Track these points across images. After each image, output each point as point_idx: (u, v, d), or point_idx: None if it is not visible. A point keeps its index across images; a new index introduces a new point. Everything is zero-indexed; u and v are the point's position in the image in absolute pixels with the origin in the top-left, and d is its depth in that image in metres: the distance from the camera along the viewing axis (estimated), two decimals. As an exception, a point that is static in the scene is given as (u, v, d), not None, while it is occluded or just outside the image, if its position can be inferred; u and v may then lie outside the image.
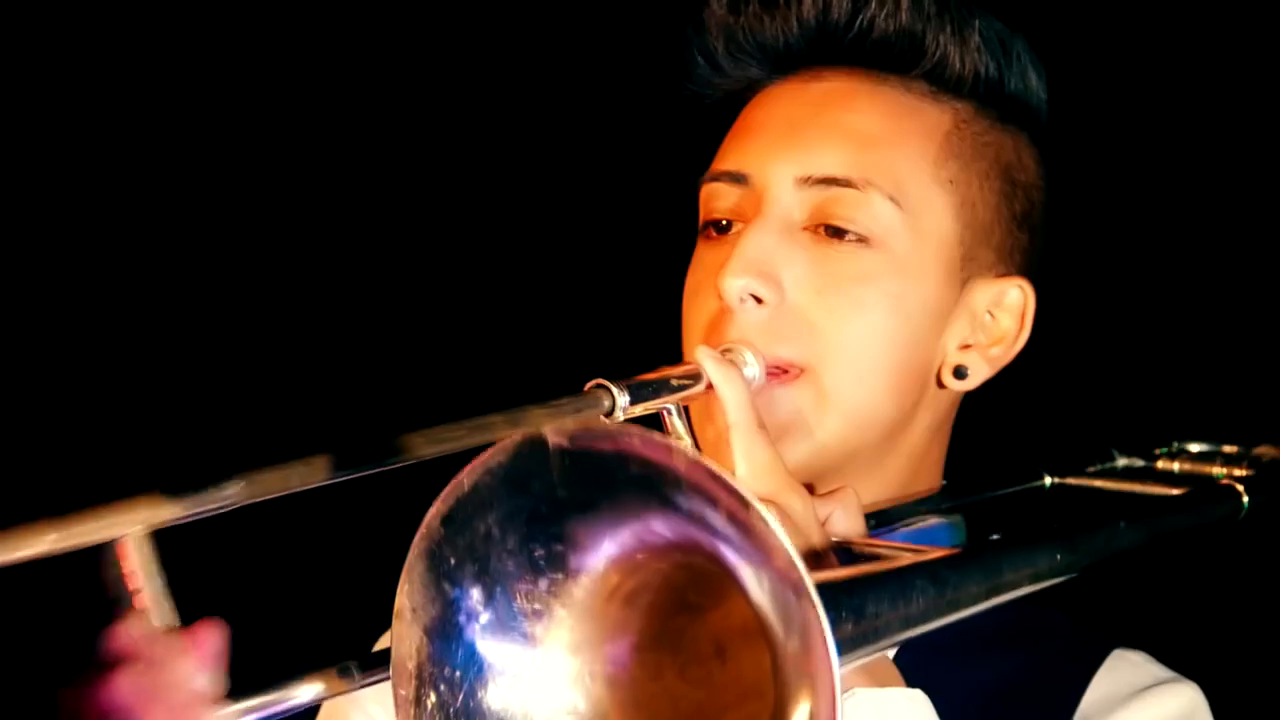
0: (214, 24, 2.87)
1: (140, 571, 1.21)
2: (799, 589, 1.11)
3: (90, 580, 1.24)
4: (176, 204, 2.91)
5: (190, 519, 1.25)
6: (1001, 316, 1.68)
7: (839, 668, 1.11)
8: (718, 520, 1.14)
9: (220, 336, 2.92)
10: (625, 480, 1.18)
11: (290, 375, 2.90)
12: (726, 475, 1.13)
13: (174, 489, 1.24)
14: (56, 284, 2.86)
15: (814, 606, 1.10)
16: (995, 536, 1.53)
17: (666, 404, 1.50)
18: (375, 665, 1.29)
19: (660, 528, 1.21)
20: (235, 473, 1.27)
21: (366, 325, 2.94)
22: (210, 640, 1.23)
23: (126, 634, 1.21)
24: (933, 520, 1.71)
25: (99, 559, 1.22)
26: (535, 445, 1.21)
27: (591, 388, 1.45)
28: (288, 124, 2.92)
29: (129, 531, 1.21)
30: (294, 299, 2.93)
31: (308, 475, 1.30)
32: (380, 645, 1.62)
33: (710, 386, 1.51)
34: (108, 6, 2.83)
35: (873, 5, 1.63)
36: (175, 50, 2.87)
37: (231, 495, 1.25)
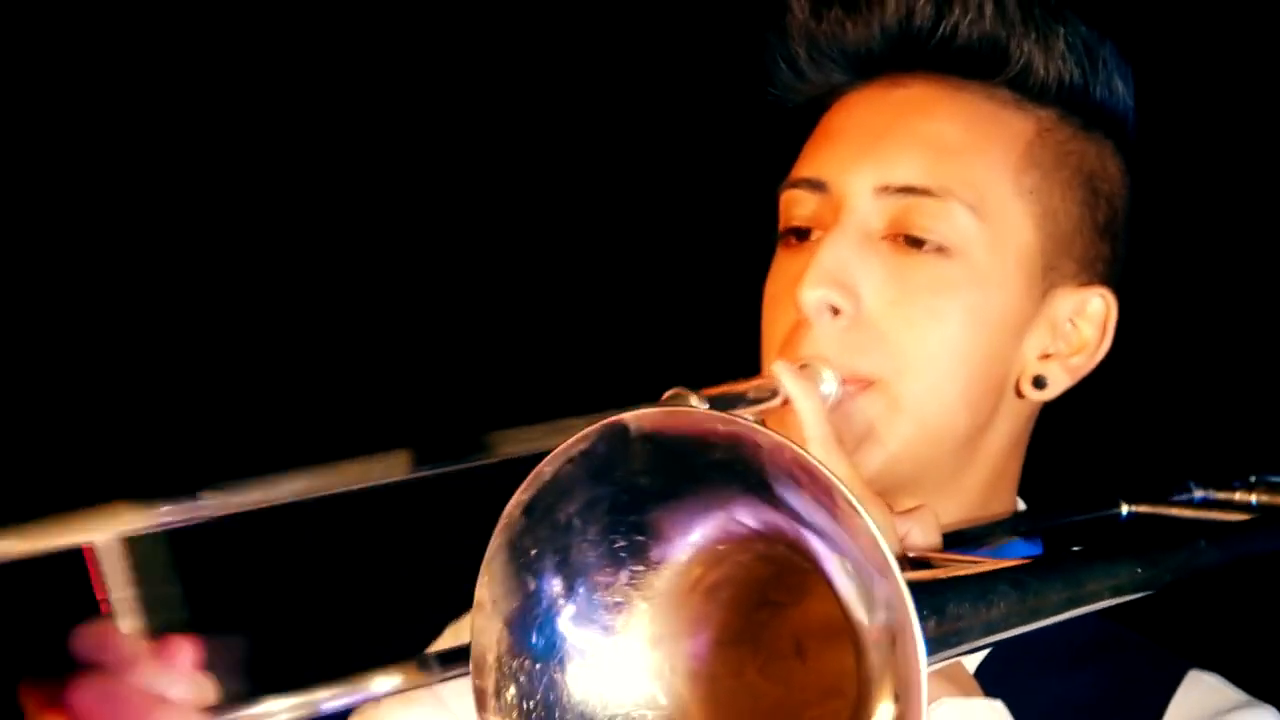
0: (215, 24, 2.89)
1: (112, 578, 1.19)
2: (884, 571, 1.10)
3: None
4: (247, 213, 2.93)
5: (169, 526, 1.22)
6: (1083, 325, 1.66)
7: (925, 654, 1.10)
8: (801, 504, 1.13)
9: (291, 341, 2.94)
10: (708, 466, 1.17)
11: (366, 381, 2.91)
12: (811, 457, 1.12)
13: (147, 496, 1.21)
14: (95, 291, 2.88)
15: (900, 589, 1.09)
16: (1076, 548, 1.51)
17: (742, 416, 1.49)
18: (454, 658, 1.29)
19: (744, 515, 1.20)
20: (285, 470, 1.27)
21: (447, 333, 2.94)
22: (180, 652, 1.21)
23: (94, 636, 1.20)
24: (1011, 540, 1.70)
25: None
26: (616, 432, 1.20)
27: (669, 395, 1.45)
28: (356, 128, 2.95)
29: (97, 539, 1.19)
30: (370, 305, 2.95)
31: (389, 470, 1.31)
32: (443, 642, 1.63)
33: (786, 401, 1.51)
34: (108, 6, 2.85)
35: (956, 11, 1.62)
36: (175, 50, 2.88)
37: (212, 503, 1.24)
